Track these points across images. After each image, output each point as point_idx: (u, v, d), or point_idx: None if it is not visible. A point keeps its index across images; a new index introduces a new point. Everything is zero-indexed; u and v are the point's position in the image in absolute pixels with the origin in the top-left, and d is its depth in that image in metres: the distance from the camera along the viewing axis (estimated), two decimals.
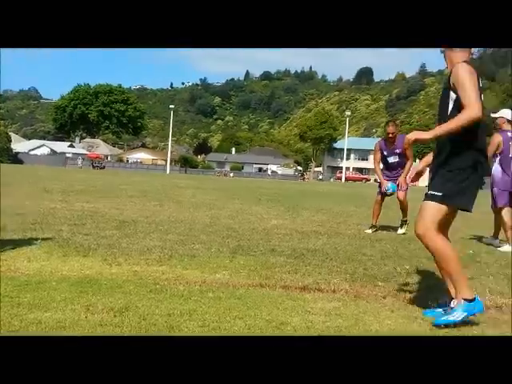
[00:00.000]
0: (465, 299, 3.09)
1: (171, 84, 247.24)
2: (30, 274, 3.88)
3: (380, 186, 8.00)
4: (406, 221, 7.86)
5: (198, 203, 12.15)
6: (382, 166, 8.08)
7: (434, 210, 3.17)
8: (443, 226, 3.24)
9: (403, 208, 7.90)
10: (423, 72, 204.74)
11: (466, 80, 3.08)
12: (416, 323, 3.12)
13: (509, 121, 6.95)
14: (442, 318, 3.09)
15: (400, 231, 7.86)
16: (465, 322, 3.11)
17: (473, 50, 3.35)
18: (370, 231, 7.86)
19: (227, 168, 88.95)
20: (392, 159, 7.83)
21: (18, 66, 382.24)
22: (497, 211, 7.16)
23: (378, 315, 3.25)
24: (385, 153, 7.84)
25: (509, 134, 6.94)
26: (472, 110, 3.01)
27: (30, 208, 8.43)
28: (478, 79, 3.15)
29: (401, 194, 7.77)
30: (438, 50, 3.46)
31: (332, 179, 76.81)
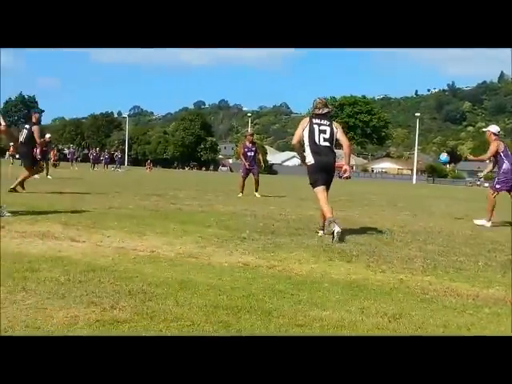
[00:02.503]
0: None
1: (416, 91, 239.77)
2: (303, 274, 4.18)
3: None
4: None
5: (451, 213, 11.55)
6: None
7: None
8: None
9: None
10: None
11: None
12: None
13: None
14: None
15: None
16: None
17: None
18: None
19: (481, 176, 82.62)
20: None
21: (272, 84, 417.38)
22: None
23: None
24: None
25: None
26: None
27: (290, 215, 9.12)
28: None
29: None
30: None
31: None
